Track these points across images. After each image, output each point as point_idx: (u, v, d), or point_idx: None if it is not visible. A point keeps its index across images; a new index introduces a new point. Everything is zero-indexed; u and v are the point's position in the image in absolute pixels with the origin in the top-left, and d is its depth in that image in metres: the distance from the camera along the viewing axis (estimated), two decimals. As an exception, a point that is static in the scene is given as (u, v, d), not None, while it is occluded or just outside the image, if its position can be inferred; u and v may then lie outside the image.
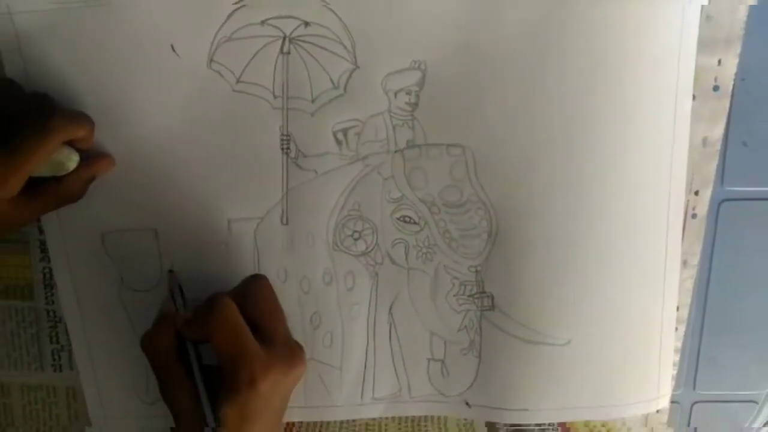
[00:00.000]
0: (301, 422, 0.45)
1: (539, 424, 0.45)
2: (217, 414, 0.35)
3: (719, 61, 0.37)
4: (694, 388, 0.45)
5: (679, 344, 0.43)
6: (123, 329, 0.42)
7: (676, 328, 0.43)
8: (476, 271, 0.41)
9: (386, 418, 0.45)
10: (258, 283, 0.38)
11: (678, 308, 0.42)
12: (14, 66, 0.38)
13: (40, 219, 0.41)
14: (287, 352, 0.37)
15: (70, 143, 0.37)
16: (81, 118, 0.37)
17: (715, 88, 0.38)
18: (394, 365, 0.43)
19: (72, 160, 0.37)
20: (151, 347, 0.37)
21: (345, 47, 0.38)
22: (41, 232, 0.42)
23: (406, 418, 0.45)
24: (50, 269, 0.42)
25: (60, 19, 0.37)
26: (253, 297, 0.37)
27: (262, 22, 0.37)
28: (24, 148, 0.34)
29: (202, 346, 0.37)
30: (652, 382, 0.43)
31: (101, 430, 0.45)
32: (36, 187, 0.36)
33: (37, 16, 0.37)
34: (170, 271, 0.39)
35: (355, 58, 0.38)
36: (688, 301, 0.42)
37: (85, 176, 0.38)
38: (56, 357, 0.45)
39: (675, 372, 0.44)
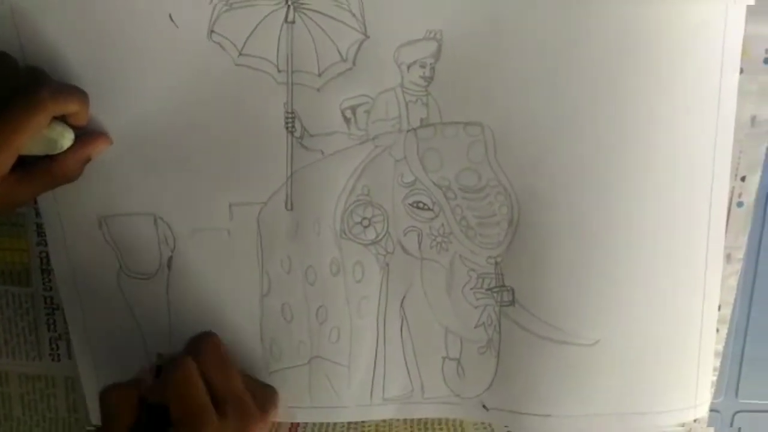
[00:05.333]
0: (306, 423, 0.44)
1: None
2: None
3: (772, 30, 0.34)
4: (737, 395, 0.43)
5: (721, 347, 0.41)
6: (122, 317, 0.41)
7: (718, 330, 0.41)
8: (495, 263, 0.39)
9: (397, 420, 0.43)
10: (207, 340, 0.39)
11: (720, 307, 0.40)
12: (9, 40, 0.37)
13: (37, 201, 0.40)
14: (239, 417, 0.36)
15: (64, 120, 0.36)
16: (72, 90, 0.36)
17: (766, 61, 0.35)
18: (406, 363, 0.42)
19: (66, 138, 0.36)
20: (111, 402, 0.36)
21: (354, 15, 0.36)
22: (38, 215, 0.41)
23: (419, 420, 0.44)
24: (47, 254, 0.42)
25: (55, -12, 0.36)
26: (204, 355, 0.37)
27: (264, -12, 0.35)
28: (11, 121, 0.33)
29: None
30: (690, 388, 0.41)
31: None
32: (29, 166, 0.35)
33: (31, -14, 0.36)
34: (159, 354, 0.39)
35: (365, 27, 0.36)
36: (732, 299, 0.40)
37: (81, 155, 0.37)
38: (54, 346, 0.44)
39: (716, 378, 0.42)
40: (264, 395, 0.39)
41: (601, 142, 0.37)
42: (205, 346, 0.38)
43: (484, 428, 0.44)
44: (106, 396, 0.36)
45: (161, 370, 0.37)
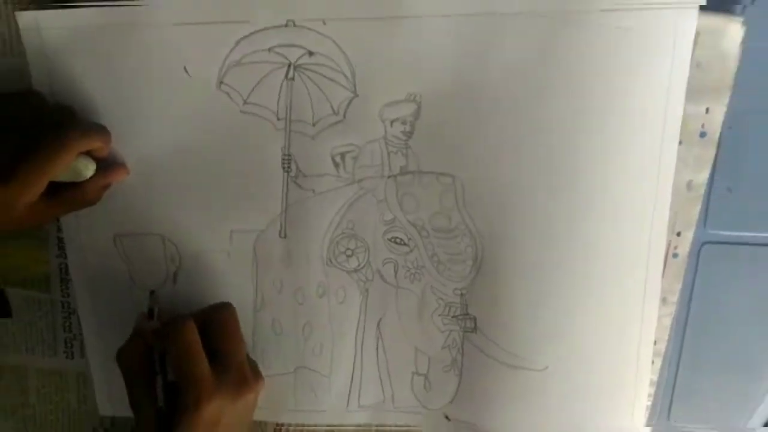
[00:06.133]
0: (290, 423, 0.48)
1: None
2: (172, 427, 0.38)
3: (707, 110, 0.38)
4: (669, 418, 0.46)
5: (655, 377, 0.44)
6: (131, 323, 0.44)
7: (653, 362, 0.44)
8: (461, 294, 0.43)
9: (371, 424, 0.47)
10: (223, 309, 0.41)
11: (655, 342, 0.43)
12: (40, 79, 0.40)
13: (60, 220, 0.44)
14: (238, 379, 0.39)
15: (88, 153, 0.39)
16: (98, 129, 0.39)
17: (702, 135, 0.39)
18: (380, 376, 0.46)
19: (89, 169, 0.39)
20: (122, 358, 0.40)
21: (346, 77, 0.39)
22: (60, 230, 0.45)
23: (390, 426, 0.47)
24: (66, 264, 0.45)
25: (85, 37, 0.40)
26: (216, 323, 0.40)
27: (269, 49, 0.39)
28: (45, 156, 0.36)
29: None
30: (626, 411, 0.44)
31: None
32: (56, 191, 0.39)
33: (63, 33, 0.40)
34: (152, 291, 0.43)
35: (354, 87, 0.40)
36: (666, 336, 0.43)
37: (101, 183, 0.41)
38: (69, 345, 0.48)
39: (649, 403, 0.45)
40: (256, 368, 0.43)
41: (557, 197, 0.40)
42: (219, 312, 0.41)
43: None
44: (118, 358, 0.40)
45: (153, 311, 0.41)
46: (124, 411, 0.43)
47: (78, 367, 0.48)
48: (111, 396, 0.48)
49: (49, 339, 0.48)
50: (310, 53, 0.39)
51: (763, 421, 0.46)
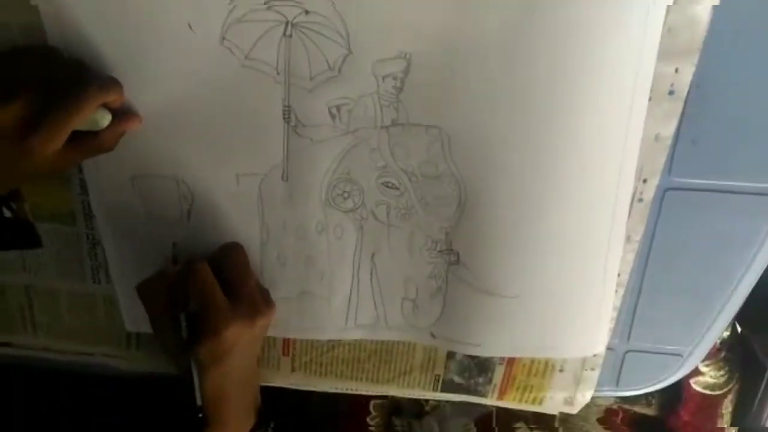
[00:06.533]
0: (296, 339, 0.54)
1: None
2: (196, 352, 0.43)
3: (676, 70, 0.41)
4: (628, 339, 0.52)
5: (618, 303, 0.50)
6: (149, 250, 0.50)
7: (616, 291, 0.49)
8: (446, 232, 0.48)
9: (366, 340, 0.53)
10: (232, 248, 0.47)
11: (619, 274, 0.48)
12: (54, 34, 0.42)
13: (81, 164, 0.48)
14: (252, 307, 0.45)
15: (104, 104, 0.42)
16: (113, 84, 0.42)
17: (671, 93, 0.42)
18: (374, 300, 0.51)
19: (105, 119, 0.42)
20: (145, 294, 0.45)
21: (340, 35, 0.41)
22: (80, 171, 0.48)
23: (383, 341, 0.54)
24: (88, 201, 0.49)
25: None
26: (227, 259, 0.46)
27: (268, 7, 0.41)
28: (69, 109, 0.39)
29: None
30: (591, 332, 0.50)
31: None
32: (76, 139, 0.42)
33: (73, -10, 0.41)
34: (174, 243, 0.48)
35: (349, 44, 0.42)
36: (629, 269, 0.48)
37: (117, 131, 0.43)
38: (95, 271, 0.53)
39: (612, 325, 0.51)
40: (266, 296, 0.49)
41: (533, 146, 0.43)
42: (229, 251, 0.46)
43: (431, 350, 0.54)
44: (140, 290, 0.46)
45: (176, 257, 0.46)
46: (148, 328, 0.48)
47: (105, 291, 0.53)
48: (136, 315, 0.53)
49: (77, 267, 0.53)
50: (307, 12, 0.41)
51: (710, 342, 0.51)
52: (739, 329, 0.70)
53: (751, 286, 0.49)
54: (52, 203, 0.50)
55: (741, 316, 0.52)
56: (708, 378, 0.71)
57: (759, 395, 0.70)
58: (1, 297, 0.55)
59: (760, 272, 0.48)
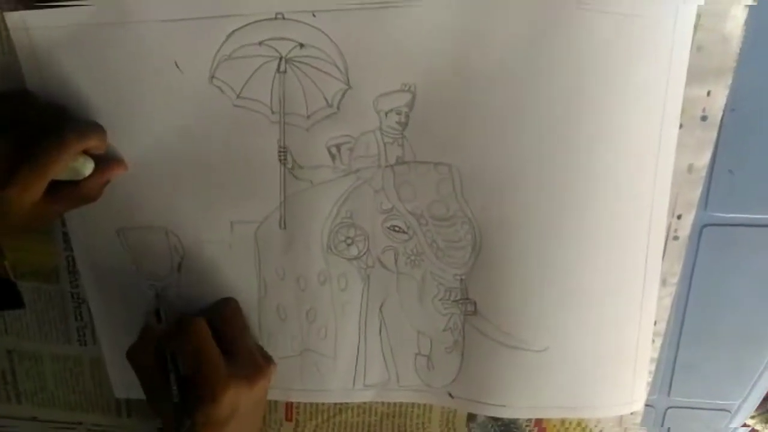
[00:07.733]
0: (299, 402, 0.50)
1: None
2: (191, 420, 0.39)
3: (708, 92, 0.38)
4: (669, 394, 0.48)
5: (656, 355, 0.45)
6: (139, 310, 0.47)
7: (653, 340, 0.44)
8: (461, 279, 0.44)
9: (376, 402, 0.49)
10: (226, 303, 0.44)
11: (656, 322, 0.44)
12: (32, 78, 0.40)
13: (64, 216, 0.45)
14: (250, 367, 0.42)
15: (85, 151, 0.39)
16: (93, 128, 0.40)
17: (704, 118, 0.38)
18: (384, 357, 0.47)
19: (87, 167, 0.40)
20: (134, 358, 0.42)
21: (338, 68, 0.39)
22: (64, 224, 0.46)
23: (395, 403, 0.49)
24: (73, 257, 0.47)
25: (74, 35, 0.39)
26: (221, 315, 0.43)
27: (260, 43, 0.39)
28: (45, 158, 0.37)
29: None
30: (627, 388, 0.46)
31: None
32: (57, 190, 0.39)
33: (52, 32, 0.39)
34: (157, 294, 0.44)
35: (347, 79, 0.39)
36: (666, 316, 0.44)
37: (100, 180, 0.41)
38: (81, 333, 0.50)
39: (650, 379, 0.46)
40: (266, 354, 0.45)
41: (555, 181, 0.40)
42: (224, 307, 0.44)
43: (449, 412, 0.49)
44: (130, 358, 0.42)
45: (159, 312, 0.43)
46: (139, 394, 0.44)
47: (92, 353, 0.50)
48: (125, 380, 0.49)
49: (61, 328, 0.50)
50: (301, 45, 0.39)
51: (761, 395, 0.46)
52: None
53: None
54: (34, 259, 0.48)
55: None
56: (755, 433, 0.65)
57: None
58: (-19, 363, 0.52)
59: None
